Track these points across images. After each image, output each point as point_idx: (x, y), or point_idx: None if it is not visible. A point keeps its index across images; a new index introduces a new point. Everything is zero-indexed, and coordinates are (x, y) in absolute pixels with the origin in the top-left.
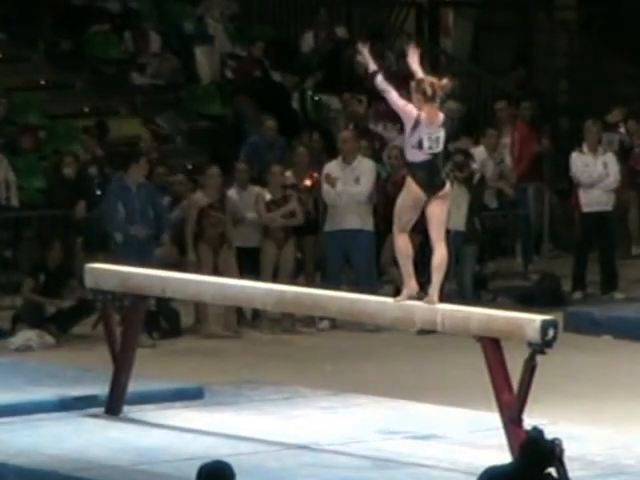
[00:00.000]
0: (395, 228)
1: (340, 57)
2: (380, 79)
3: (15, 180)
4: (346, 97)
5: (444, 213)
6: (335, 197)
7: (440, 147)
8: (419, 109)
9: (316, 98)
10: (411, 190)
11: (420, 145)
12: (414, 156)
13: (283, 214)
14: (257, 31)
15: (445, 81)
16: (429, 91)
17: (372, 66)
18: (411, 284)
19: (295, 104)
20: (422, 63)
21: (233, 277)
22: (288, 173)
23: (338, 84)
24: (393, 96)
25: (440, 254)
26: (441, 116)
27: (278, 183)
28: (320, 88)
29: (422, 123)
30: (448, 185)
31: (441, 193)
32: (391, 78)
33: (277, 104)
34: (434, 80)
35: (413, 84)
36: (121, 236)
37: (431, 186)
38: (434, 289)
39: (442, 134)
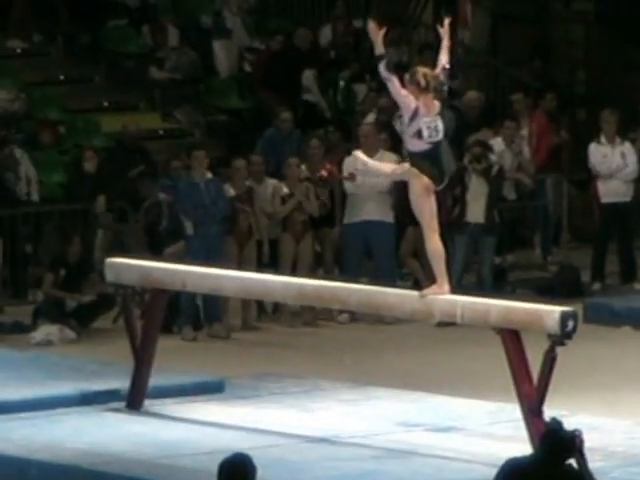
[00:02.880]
0: (424, 229)
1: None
2: (383, 66)
3: (35, 175)
4: (370, 86)
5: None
6: (355, 187)
7: (440, 136)
8: (416, 100)
9: (352, 87)
10: (419, 179)
11: (420, 134)
12: (414, 146)
13: (292, 206)
14: (275, 25)
15: (438, 71)
16: (423, 82)
17: (379, 49)
18: (444, 286)
19: (316, 96)
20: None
21: (252, 270)
22: (303, 166)
23: (363, 76)
24: (395, 85)
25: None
26: (437, 105)
27: (295, 176)
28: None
29: (420, 113)
30: (446, 180)
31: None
32: (394, 68)
33: (294, 97)
34: (427, 71)
35: (407, 76)
36: (192, 228)
37: (436, 176)
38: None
39: (440, 123)
